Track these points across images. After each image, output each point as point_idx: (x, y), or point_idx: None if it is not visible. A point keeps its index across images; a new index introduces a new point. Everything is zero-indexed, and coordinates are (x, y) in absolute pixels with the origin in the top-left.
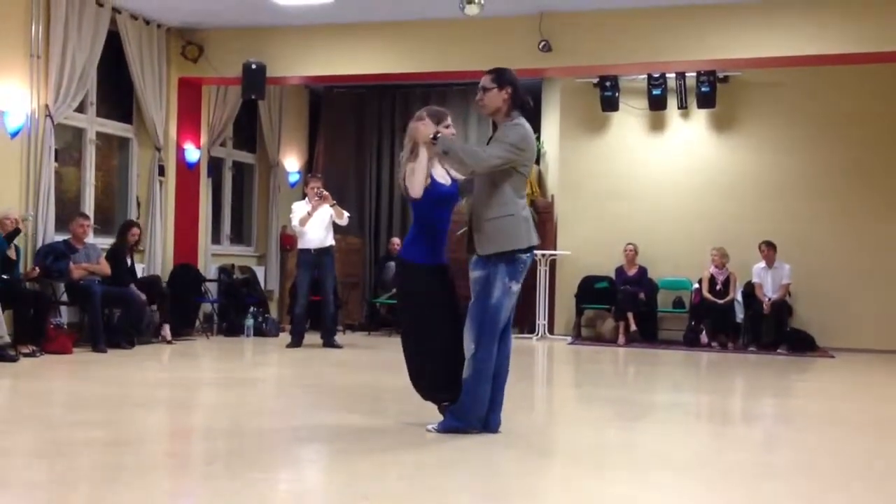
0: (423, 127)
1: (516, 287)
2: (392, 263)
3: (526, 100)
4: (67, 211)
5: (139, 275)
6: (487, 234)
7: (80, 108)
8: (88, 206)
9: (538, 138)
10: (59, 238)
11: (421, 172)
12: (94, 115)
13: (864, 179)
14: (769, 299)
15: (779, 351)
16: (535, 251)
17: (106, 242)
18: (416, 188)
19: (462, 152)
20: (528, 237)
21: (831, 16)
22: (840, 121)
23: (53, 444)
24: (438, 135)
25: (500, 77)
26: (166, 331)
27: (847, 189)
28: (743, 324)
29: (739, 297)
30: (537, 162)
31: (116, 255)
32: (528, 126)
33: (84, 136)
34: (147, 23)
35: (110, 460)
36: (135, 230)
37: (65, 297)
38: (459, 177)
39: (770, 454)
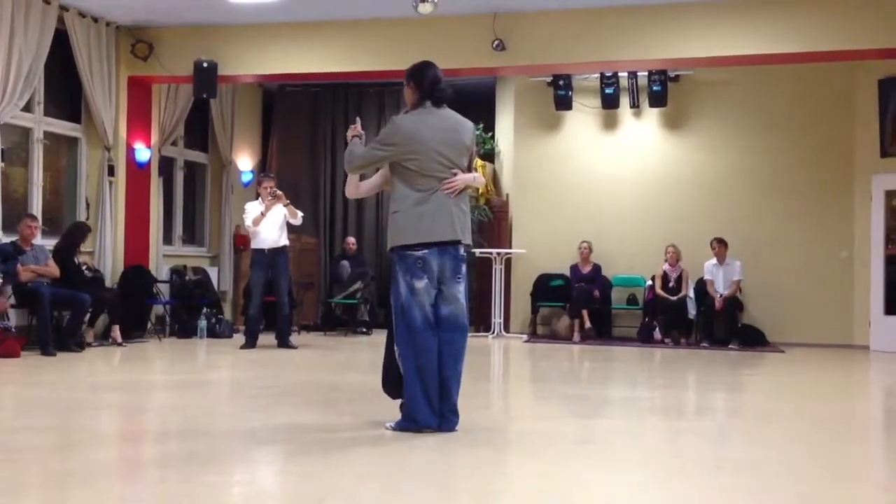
0: (349, 131)
1: (420, 284)
2: (346, 262)
3: (436, 89)
4: (15, 212)
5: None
6: (388, 232)
7: (27, 108)
8: (36, 207)
9: (492, 137)
10: (7, 240)
11: (354, 177)
12: (41, 115)
13: (812, 176)
14: (721, 296)
15: (730, 346)
16: (490, 250)
17: (54, 244)
18: (347, 188)
19: (346, 154)
20: (416, 233)
21: (781, 16)
22: (788, 119)
23: (2, 449)
24: (356, 137)
25: (407, 74)
26: (116, 332)
27: (796, 186)
28: (695, 320)
29: (692, 293)
30: (492, 160)
31: (66, 256)
32: (407, 119)
33: (31, 135)
34: (95, 20)
35: (60, 465)
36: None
37: (12, 300)
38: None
39: (723, 448)
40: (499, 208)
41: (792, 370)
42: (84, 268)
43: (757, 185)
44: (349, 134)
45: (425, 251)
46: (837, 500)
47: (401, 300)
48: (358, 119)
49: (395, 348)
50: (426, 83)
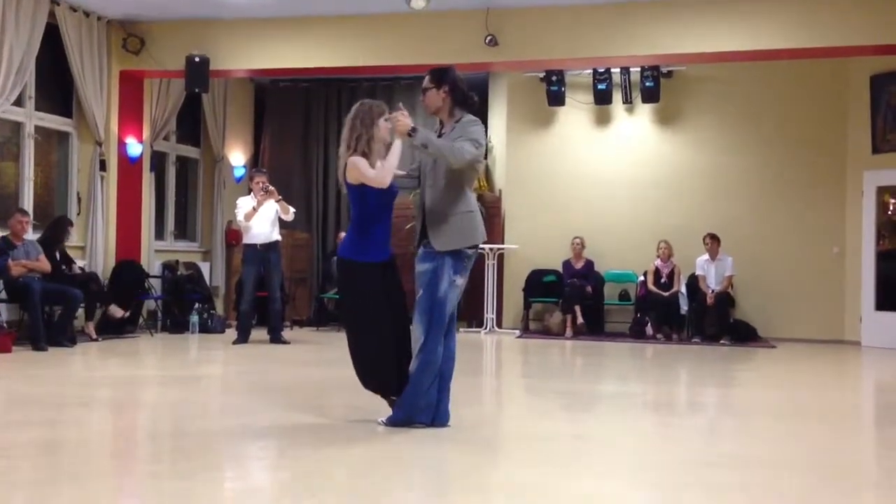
0: (402, 118)
1: (461, 281)
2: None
3: (469, 96)
4: (6, 207)
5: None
6: (450, 230)
7: (19, 102)
8: (27, 202)
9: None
10: None
11: (396, 162)
12: (32, 109)
13: (804, 172)
14: (712, 291)
15: (722, 342)
16: (482, 245)
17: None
18: (387, 177)
19: (443, 147)
20: (483, 233)
21: (774, 12)
22: (781, 115)
23: None
24: (417, 128)
25: (438, 77)
26: (90, 329)
27: (788, 182)
28: (687, 316)
29: (684, 289)
30: (484, 156)
31: (47, 250)
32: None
33: (22, 130)
34: (87, 15)
35: (52, 461)
36: (70, 229)
37: (3, 295)
38: (399, 173)
39: (716, 443)
40: (491, 204)
41: (783, 366)
42: (63, 264)
43: (749, 181)
44: (407, 122)
45: (474, 250)
46: (830, 495)
47: (439, 294)
48: (400, 104)
49: (420, 340)
50: (461, 91)
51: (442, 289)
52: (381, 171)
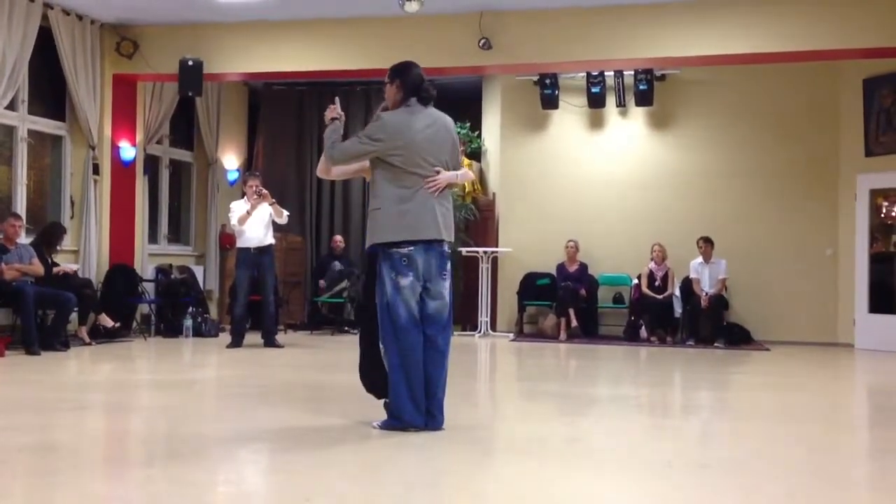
0: (328, 112)
1: (405, 281)
2: (338, 263)
3: (423, 89)
4: None
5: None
6: (368, 230)
7: (11, 106)
8: (20, 206)
9: (478, 136)
10: None
11: (325, 155)
12: (25, 113)
13: (797, 175)
14: (706, 294)
15: (716, 345)
16: (476, 248)
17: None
18: (319, 167)
19: (326, 142)
20: (398, 231)
21: (767, 15)
22: (774, 118)
23: None
24: (335, 119)
25: (391, 72)
26: (83, 332)
27: (781, 185)
28: (681, 318)
29: (677, 292)
30: (478, 159)
31: (40, 252)
32: (394, 115)
33: (15, 134)
34: (80, 18)
35: (43, 466)
36: (63, 236)
37: None
38: None
39: (710, 446)
40: (485, 207)
41: (777, 368)
42: (54, 267)
43: (742, 184)
44: (328, 115)
45: (411, 248)
46: (825, 498)
47: (386, 298)
48: (337, 99)
49: (381, 346)
50: (411, 82)
51: (387, 291)
52: (320, 163)
